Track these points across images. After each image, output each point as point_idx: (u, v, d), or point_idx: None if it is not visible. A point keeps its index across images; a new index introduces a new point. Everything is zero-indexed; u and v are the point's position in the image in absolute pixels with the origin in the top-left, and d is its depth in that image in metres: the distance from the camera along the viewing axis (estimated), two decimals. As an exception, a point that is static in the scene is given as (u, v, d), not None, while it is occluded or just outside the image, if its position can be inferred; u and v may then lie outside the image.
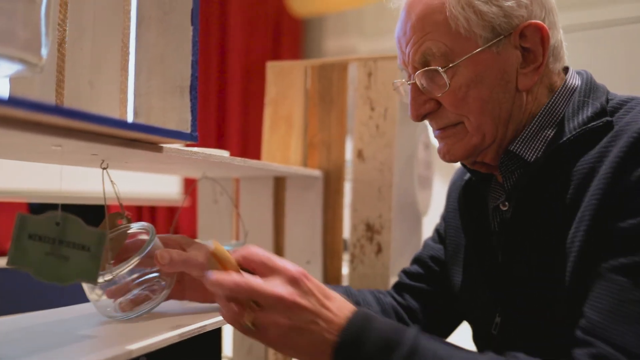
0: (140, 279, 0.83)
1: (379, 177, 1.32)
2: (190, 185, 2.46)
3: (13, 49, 0.56)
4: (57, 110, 0.54)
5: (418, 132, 1.53)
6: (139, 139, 0.74)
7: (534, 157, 0.84)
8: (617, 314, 0.72)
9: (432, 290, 1.06)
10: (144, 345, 0.73)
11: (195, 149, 0.96)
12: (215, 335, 1.01)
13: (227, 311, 0.72)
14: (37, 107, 0.51)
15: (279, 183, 1.35)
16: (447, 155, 0.89)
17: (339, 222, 1.35)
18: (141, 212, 5.10)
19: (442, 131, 0.89)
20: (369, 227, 1.32)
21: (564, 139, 0.81)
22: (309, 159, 1.38)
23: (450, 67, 0.82)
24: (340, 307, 0.72)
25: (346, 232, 1.38)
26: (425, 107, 0.87)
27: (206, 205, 1.36)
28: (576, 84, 0.89)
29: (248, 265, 0.74)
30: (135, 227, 0.87)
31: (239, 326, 0.72)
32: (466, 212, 0.99)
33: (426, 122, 0.91)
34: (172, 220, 4.78)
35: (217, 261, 0.73)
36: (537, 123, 0.85)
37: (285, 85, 1.39)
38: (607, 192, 0.74)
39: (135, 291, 0.82)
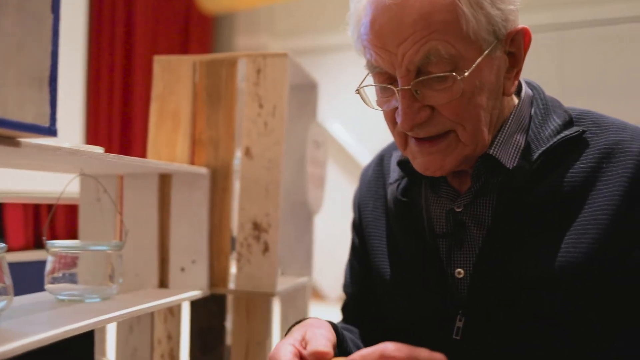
0: None
1: (267, 175, 1.31)
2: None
3: None
4: None
5: (309, 130, 1.54)
6: (-7, 134, 0.70)
7: (511, 163, 0.84)
8: None
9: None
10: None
11: (67, 144, 0.91)
12: (86, 342, 0.97)
13: None
14: None
15: (165, 181, 1.31)
16: (438, 171, 0.84)
17: (226, 221, 1.33)
18: (39, 210, 4.88)
19: (431, 144, 0.83)
20: (256, 226, 1.31)
21: (546, 147, 0.82)
22: (195, 156, 1.36)
23: (466, 74, 0.77)
24: None
25: (235, 231, 1.36)
26: (420, 115, 0.80)
27: (88, 203, 1.31)
28: (530, 91, 0.91)
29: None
30: None
31: None
32: (404, 219, 0.95)
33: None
34: (71, 218, 4.60)
35: None
36: (509, 129, 0.85)
37: (172, 80, 1.36)
38: (619, 211, 0.77)
39: None
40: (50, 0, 0.74)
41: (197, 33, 5.55)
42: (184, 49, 5.33)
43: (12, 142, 0.73)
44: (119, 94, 4.84)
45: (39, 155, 0.84)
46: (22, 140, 0.74)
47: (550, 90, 0.93)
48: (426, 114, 0.80)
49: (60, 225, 4.83)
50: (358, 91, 0.88)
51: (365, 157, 4.75)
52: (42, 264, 1.12)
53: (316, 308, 1.24)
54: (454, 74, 0.76)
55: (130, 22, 4.88)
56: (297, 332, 0.81)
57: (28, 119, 0.73)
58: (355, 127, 4.92)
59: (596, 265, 0.78)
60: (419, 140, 0.83)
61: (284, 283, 1.49)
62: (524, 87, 0.90)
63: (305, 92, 1.59)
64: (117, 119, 4.84)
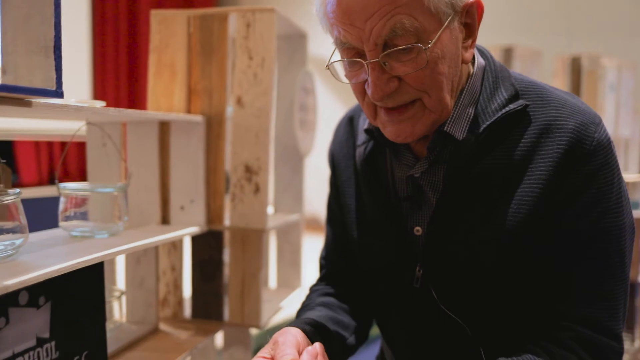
0: None
1: (257, 122, 1.42)
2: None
3: None
4: None
5: (298, 78, 1.64)
6: (7, 96, 0.81)
7: (462, 135, 0.91)
8: (587, 298, 0.87)
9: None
10: (21, 279, 0.83)
11: (73, 100, 1.03)
12: (97, 273, 1.10)
13: None
14: None
15: (164, 127, 1.43)
16: (409, 137, 0.90)
17: (220, 164, 1.46)
18: (51, 147, 5.06)
19: (400, 113, 0.88)
20: (248, 169, 1.44)
21: (491, 120, 0.90)
22: (192, 104, 1.47)
23: (430, 45, 0.82)
24: None
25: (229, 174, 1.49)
26: (389, 86, 0.86)
27: (94, 148, 1.43)
28: (482, 61, 0.96)
29: None
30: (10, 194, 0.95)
31: None
32: (372, 181, 1.03)
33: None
34: (81, 155, 4.78)
35: None
36: (462, 102, 0.92)
37: (168, 33, 1.46)
38: (551, 183, 0.87)
39: None
40: (51, -23, 0.84)
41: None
42: (189, 3, 5.38)
43: (24, 102, 0.85)
44: (124, 47, 4.96)
45: (48, 112, 0.96)
46: (33, 100, 0.86)
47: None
48: (394, 85, 0.86)
49: (72, 160, 5.00)
50: (328, 67, 0.92)
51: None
52: (54, 199, 1.24)
53: (316, 240, 1.32)
54: (419, 45, 0.82)
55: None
56: (264, 351, 0.91)
57: (37, 83, 0.85)
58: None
59: (531, 233, 0.88)
60: (388, 110, 0.89)
61: (276, 219, 1.63)
62: (477, 56, 0.96)
63: (295, 42, 1.68)
64: (124, 72, 4.98)
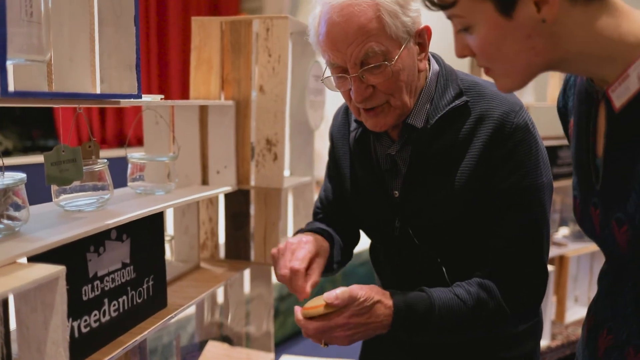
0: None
1: (275, 105, 1.80)
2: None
3: (35, 55, 1.00)
4: (68, 95, 1.02)
5: (309, 67, 2.02)
6: (105, 100, 1.22)
7: (421, 125, 1.19)
8: (515, 236, 1.15)
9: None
10: (113, 221, 1.23)
11: (145, 97, 1.41)
12: (159, 219, 1.50)
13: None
14: (72, 95, 0.99)
15: (203, 110, 1.82)
16: (383, 127, 1.18)
17: (247, 138, 1.84)
18: (105, 113, 5.58)
19: (373, 111, 1.17)
20: (268, 142, 1.83)
21: (441, 113, 1.17)
22: (224, 91, 1.86)
23: (393, 62, 1.10)
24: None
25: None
26: (366, 92, 1.14)
27: (150, 125, 1.81)
28: (436, 67, 1.23)
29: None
30: (100, 163, 1.35)
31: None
32: (361, 157, 1.31)
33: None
34: (118, 123, 5.26)
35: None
36: (421, 100, 1.20)
37: (205, 35, 1.83)
38: (483, 157, 1.14)
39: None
40: (133, 17, 1.23)
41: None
42: (213, 10, 6.04)
43: (117, 103, 1.25)
44: (155, 49, 5.72)
45: (129, 104, 1.36)
46: (122, 100, 1.25)
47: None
48: (370, 91, 1.14)
49: (111, 127, 5.50)
50: (322, 81, 1.22)
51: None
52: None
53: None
54: (385, 62, 1.11)
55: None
56: (288, 252, 1.22)
57: (125, 90, 1.24)
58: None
59: (472, 193, 1.16)
60: (366, 110, 1.19)
61: (291, 181, 2.02)
62: (433, 63, 1.24)
63: (306, 37, 2.04)
64: (155, 67, 5.73)
